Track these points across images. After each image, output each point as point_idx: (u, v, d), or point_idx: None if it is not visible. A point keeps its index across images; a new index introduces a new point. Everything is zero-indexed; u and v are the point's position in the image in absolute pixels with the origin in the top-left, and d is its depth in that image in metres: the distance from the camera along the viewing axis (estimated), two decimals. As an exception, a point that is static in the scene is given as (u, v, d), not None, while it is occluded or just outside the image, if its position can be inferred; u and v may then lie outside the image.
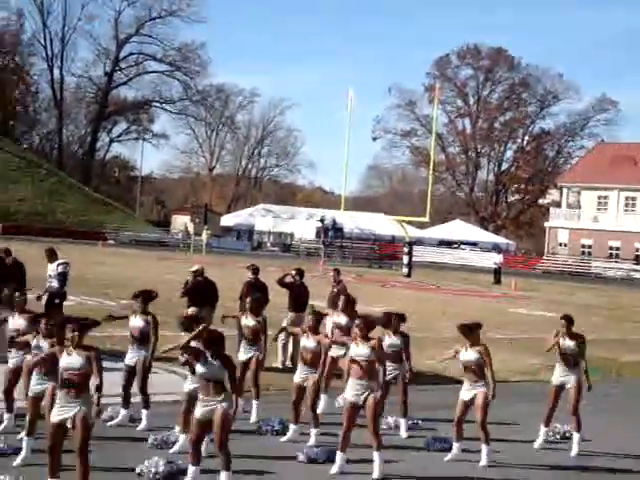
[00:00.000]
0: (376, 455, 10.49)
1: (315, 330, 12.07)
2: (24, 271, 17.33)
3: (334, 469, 10.57)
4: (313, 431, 11.73)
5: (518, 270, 70.11)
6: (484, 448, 11.41)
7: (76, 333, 8.96)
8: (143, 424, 11.95)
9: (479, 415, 11.37)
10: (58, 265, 18.12)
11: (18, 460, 9.90)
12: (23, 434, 10.24)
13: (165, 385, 13.86)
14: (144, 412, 12.02)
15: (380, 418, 11.31)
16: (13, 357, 11.35)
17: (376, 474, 10.44)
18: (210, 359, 9.55)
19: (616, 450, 12.59)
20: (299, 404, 11.97)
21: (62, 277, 17.94)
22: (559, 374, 12.54)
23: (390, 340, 12.58)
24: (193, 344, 10.56)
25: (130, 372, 12.24)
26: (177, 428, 11.12)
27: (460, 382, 12.09)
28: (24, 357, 11.03)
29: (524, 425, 13.53)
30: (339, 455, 10.63)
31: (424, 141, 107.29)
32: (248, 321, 13.14)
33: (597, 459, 12.21)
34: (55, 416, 8.79)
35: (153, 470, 9.88)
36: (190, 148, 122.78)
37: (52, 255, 18.25)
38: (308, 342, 11.99)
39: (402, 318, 12.90)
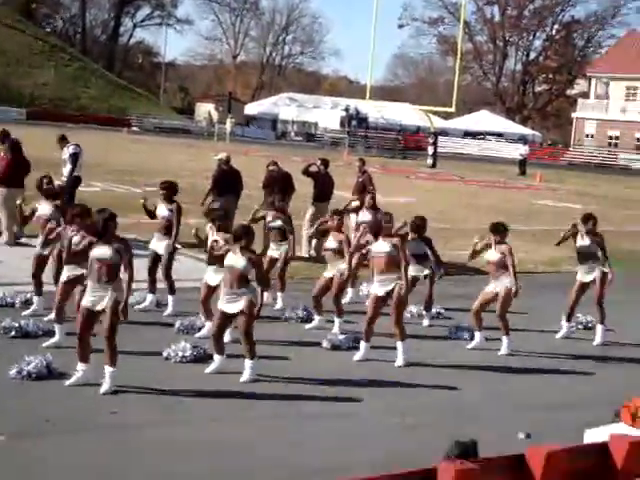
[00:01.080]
0: (399, 345, 10.64)
1: (339, 229, 12.11)
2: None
3: (358, 356, 10.73)
4: (337, 320, 11.87)
5: (544, 162, 69.58)
6: (504, 339, 11.56)
7: (108, 223, 9.00)
8: (169, 309, 12.14)
9: (499, 307, 11.49)
10: (69, 147, 18.24)
11: (49, 342, 10.10)
12: (52, 316, 10.42)
13: (191, 271, 13.99)
14: (170, 298, 12.20)
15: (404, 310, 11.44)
16: (41, 244, 11.48)
17: (400, 362, 10.61)
18: (238, 253, 9.61)
19: (637, 340, 12.70)
20: (320, 297, 12.03)
21: (74, 158, 18.06)
22: (583, 271, 12.60)
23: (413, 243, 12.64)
24: (220, 238, 10.64)
25: (155, 258, 12.39)
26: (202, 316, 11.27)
27: (483, 273, 12.17)
28: (53, 245, 11.16)
29: (546, 315, 13.61)
30: (363, 344, 10.78)
31: (451, 29, 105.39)
32: (274, 223, 13.18)
33: (619, 349, 12.32)
34: (86, 302, 8.92)
35: (180, 354, 10.08)
36: (214, 35, 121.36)
37: (63, 140, 18.33)
38: (330, 243, 12.05)
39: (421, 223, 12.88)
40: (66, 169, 17.92)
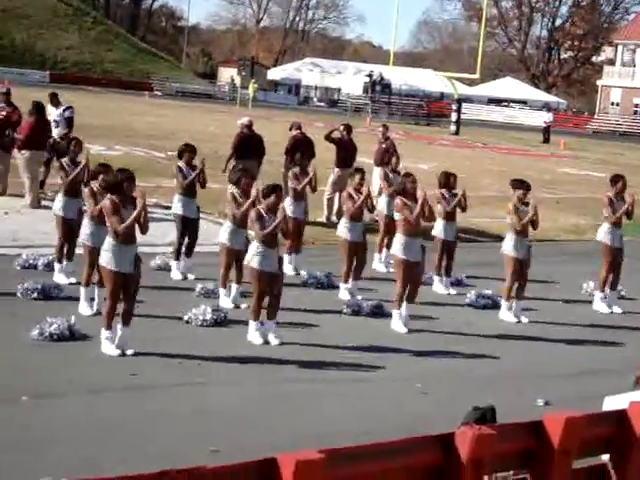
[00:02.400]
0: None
1: (358, 190, 12.04)
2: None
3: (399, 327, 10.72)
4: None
5: (568, 130, 69.07)
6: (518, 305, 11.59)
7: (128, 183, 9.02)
8: (189, 274, 12.19)
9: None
10: (64, 110, 18.16)
11: (85, 309, 10.13)
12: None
13: (212, 235, 13.98)
14: (186, 262, 12.24)
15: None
16: (65, 205, 11.41)
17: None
18: (267, 215, 9.65)
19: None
20: (351, 261, 11.98)
21: (69, 122, 18.01)
22: (618, 235, 12.47)
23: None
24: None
25: (184, 223, 12.35)
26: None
27: (501, 239, 12.16)
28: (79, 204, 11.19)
29: (569, 284, 13.56)
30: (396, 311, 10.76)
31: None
32: (293, 183, 13.25)
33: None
34: (110, 264, 8.92)
35: (201, 318, 10.12)
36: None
37: (54, 99, 18.25)
38: (351, 202, 11.99)
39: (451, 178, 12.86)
40: (57, 130, 17.71)
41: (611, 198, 12.44)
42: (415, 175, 11.27)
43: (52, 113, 17.99)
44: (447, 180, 12.80)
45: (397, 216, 10.94)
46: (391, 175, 14.45)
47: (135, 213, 8.86)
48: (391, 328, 10.62)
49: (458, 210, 12.89)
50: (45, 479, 5.95)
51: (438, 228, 12.69)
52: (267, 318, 9.75)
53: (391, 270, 11.98)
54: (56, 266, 11.45)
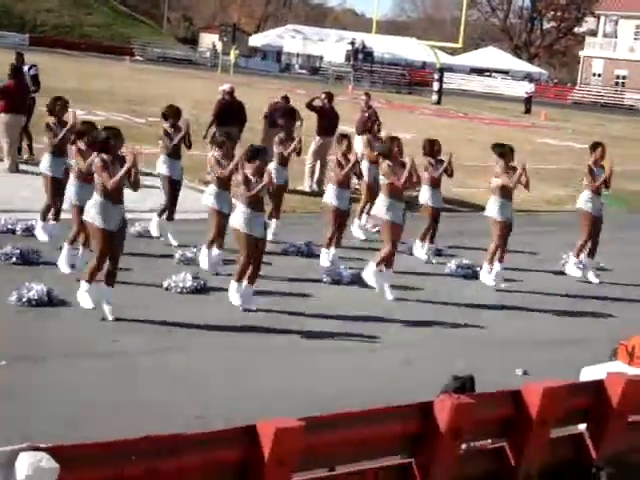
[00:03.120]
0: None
1: (345, 155, 11.99)
2: None
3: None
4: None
5: (549, 100, 69.09)
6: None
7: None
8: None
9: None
10: (29, 69, 17.93)
11: (65, 267, 10.12)
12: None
13: (192, 203, 13.92)
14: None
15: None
16: (52, 165, 11.33)
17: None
18: (253, 178, 9.61)
19: (633, 280, 12.72)
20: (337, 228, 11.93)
21: (34, 79, 17.80)
22: (597, 203, 12.53)
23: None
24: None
25: (171, 182, 12.27)
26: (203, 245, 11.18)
27: (482, 208, 12.17)
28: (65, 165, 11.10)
29: (549, 254, 13.62)
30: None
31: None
32: (279, 148, 13.19)
33: (618, 289, 12.34)
34: (98, 221, 8.87)
35: (180, 285, 10.10)
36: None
37: (19, 58, 17.86)
38: (339, 169, 11.94)
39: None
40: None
41: (591, 166, 12.50)
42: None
43: None
44: (432, 147, 12.78)
45: (383, 180, 10.88)
46: (374, 142, 14.41)
47: (125, 168, 8.82)
48: (375, 298, 10.62)
49: (444, 177, 12.88)
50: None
51: (425, 195, 12.68)
52: (248, 283, 9.73)
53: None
54: (39, 223, 11.42)
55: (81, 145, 10.05)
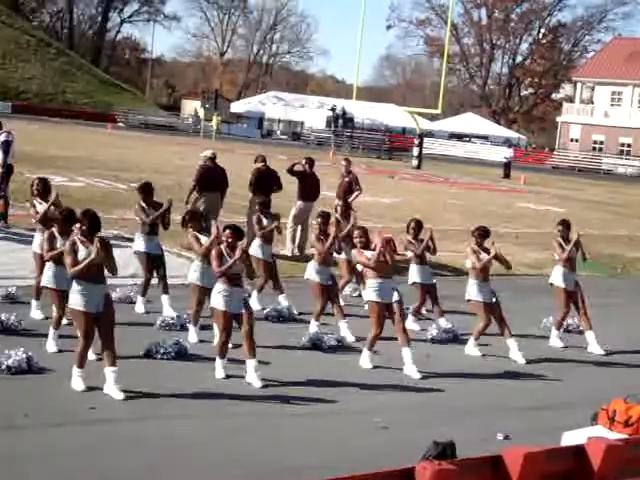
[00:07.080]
0: (407, 351, 10.63)
1: (325, 232, 12.10)
2: None
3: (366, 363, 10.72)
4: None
5: (528, 165, 69.78)
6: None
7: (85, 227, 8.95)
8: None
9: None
10: (1, 134, 17.54)
11: (52, 347, 9.99)
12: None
13: (175, 269, 13.92)
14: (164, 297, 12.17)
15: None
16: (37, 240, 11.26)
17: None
18: (228, 254, 9.61)
19: (616, 345, 12.76)
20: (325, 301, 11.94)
21: (6, 146, 17.43)
22: (570, 277, 12.62)
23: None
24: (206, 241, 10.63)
25: (149, 259, 12.24)
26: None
27: (463, 273, 12.22)
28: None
29: (527, 319, 13.64)
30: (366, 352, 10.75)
31: (439, 31, 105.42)
32: (267, 223, 13.20)
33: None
34: (80, 305, 8.83)
35: (161, 351, 10.06)
36: (202, 32, 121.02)
37: None
38: (320, 245, 12.01)
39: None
40: None
41: (560, 242, 12.66)
42: (366, 227, 11.26)
43: None
44: (409, 226, 12.86)
45: (359, 266, 10.99)
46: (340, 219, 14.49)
47: (92, 255, 8.75)
48: (355, 364, 10.60)
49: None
50: None
51: (413, 274, 12.75)
52: (250, 357, 9.62)
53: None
54: (33, 303, 11.28)
55: (54, 229, 10.01)
